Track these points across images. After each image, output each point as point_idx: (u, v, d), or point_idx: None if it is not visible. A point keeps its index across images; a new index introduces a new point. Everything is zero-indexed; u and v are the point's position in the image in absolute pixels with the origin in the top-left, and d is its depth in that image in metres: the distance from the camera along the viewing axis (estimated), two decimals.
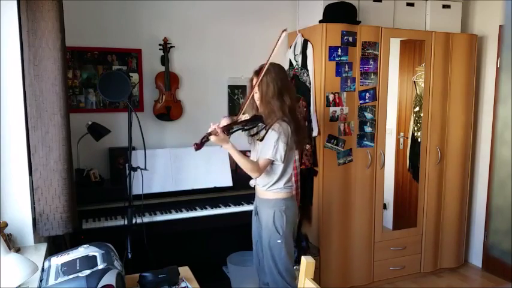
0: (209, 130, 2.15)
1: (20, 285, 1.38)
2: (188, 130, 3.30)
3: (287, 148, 2.27)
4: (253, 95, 2.34)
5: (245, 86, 3.47)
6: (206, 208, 2.95)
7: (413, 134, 3.66)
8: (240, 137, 2.44)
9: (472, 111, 3.68)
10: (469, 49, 3.58)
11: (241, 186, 3.04)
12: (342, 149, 3.23)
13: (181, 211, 2.87)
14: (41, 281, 1.48)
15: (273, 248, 2.33)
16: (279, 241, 2.31)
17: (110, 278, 1.37)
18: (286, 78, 2.38)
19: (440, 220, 3.68)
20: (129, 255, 2.54)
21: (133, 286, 1.67)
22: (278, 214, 2.32)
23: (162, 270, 1.70)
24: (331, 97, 3.15)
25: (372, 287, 3.50)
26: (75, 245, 1.65)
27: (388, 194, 3.63)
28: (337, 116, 3.18)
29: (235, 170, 3.27)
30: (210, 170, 3.01)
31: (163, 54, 3.16)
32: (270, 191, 2.35)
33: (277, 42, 2.26)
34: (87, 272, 1.37)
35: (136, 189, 2.64)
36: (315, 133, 3.18)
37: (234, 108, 3.45)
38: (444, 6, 3.62)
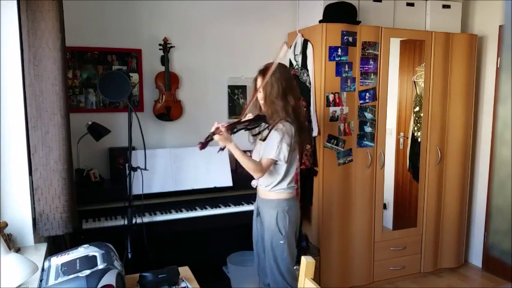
0: (212, 129, 2.14)
1: (20, 285, 1.38)
2: (188, 130, 3.30)
3: (290, 148, 2.27)
4: (254, 95, 2.34)
5: (245, 86, 3.47)
6: (206, 208, 2.95)
7: (413, 134, 3.66)
8: (240, 137, 2.43)
9: (472, 111, 3.68)
10: (469, 49, 3.58)
11: (241, 186, 3.05)
12: (342, 149, 3.23)
13: (181, 211, 2.87)
14: (41, 281, 1.48)
15: (275, 248, 2.32)
16: (281, 242, 2.31)
17: (110, 278, 1.37)
18: (290, 78, 2.38)
19: (440, 220, 3.68)
20: (129, 255, 2.54)
21: (133, 286, 1.67)
22: (281, 215, 2.31)
23: (162, 270, 1.69)
24: (331, 97, 3.15)
25: (372, 287, 3.50)
26: (75, 245, 1.65)
27: (388, 194, 3.63)
28: (337, 116, 3.18)
29: (235, 170, 3.27)
30: (210, 170, 3.01)
31: (163, 54, 3.16)
32: (273, 191, 2.34)
33: (278, 55, 2.24)
34: (87, 272, 1.37)
35: (136, 189, 2.64)
36: (315, 133, 3.18)
37: (234, 108, 3.45)
38: (444, 6, 3.62)
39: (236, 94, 3.46)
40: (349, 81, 3.19)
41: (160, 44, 3.15)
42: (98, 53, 3.02)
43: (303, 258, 1.55)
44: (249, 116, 2.34)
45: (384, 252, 3.49)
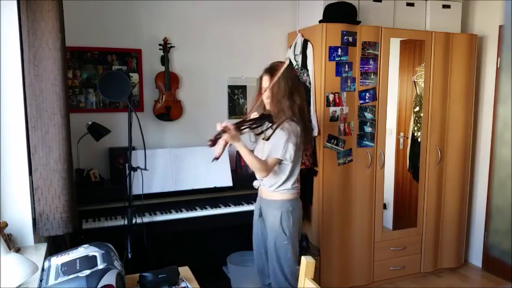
0: (220, 127, 2.11)
1: (20, 285, 1.38)
2: (188, 130, 3.30)
3: (296, 148, 2.26)
4: (259, 94, 2.32)
5: (245, 86, 3.47)
6: (206, 208, 2.95)
7: (413, 134, 3.66)
8: (241, 136, 2.43)
9: (472, 111, 3.68)
10: (469, 49, 3.58)
11: (241, 186, 3.05)
12: (342, 149, 3.23)
13: (181, 211, 2.87)
14: (41, 281, 1.48)
15: (278, 249, 2.31)
16: (285, 242, 2.30)
17: (110, 278, 1.37)
18: (296, 78, 2.38)
19: (440, 220, 3.68)
20: (129, 255, 2.54)
21: (133, 286, 1.67)
22: (285, 215, 2.30)
23: (162, 270, 1.69)
24: (331, 97, 3.16)
25: (372, 287, 3.50)
26: (75, 245, 1.65)
27: (388, 194, 3.63)
28: (337, 116, 3.18)
29: (235, 170, 3.27)
30: (210, 170, 3.01)
31: (163, 54, 3.16)
32: (277, 191, 2.33)
33: (280, 70, 2.23)
34: (87, 272, 1.37)
35: (136, 189, 2.64)
36: (315, 133, 3.18)
37: (234, 108, 3.45)
38: (444, 6, 3.62)
39: (236, 94, 3.46)
40: (349, 81, 3.19)
41: (160, 44, 3.15)
42: (98, 53, 3.02)
43: (303, 258, 1.55)
44: (255, 115, 2.32)
45: (383, 252, 3.49)
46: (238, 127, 2.17)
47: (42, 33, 1.91)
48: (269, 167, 2.23)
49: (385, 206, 3.57)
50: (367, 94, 3.26)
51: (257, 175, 2.37)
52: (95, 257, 1.49)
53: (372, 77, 3.26)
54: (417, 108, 3.61)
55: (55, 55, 1.94)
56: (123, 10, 3.07)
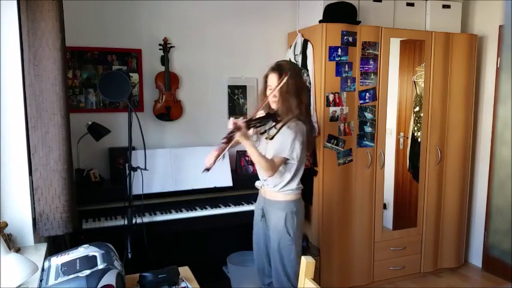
0: (231, 124, 2.08)
1: (20, 285, 1.38)
2: (188, 130, 3.30)
3: (303, 147, 2.25)
4: (266, 93, 2.30)
5: (245, 86, 3.47)
6: (206, 208, 2.95)
7: (413, 134, 3.66)
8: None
9: (472, 111, 3.68)
10: (469, 49, 3.58)
11: (241, 186, 3.05)
12: (342, 149, 3.22)
13: (181, 211, 2.87)
14: (41, 281, 1.48)
15: (282, 250, 2.30)
16: (289, 243, 2.29)
17: (110, 278, 1.37)
18: (302, 77, 2.38)
19: (440, 220, 3.68)
20: (129, 255, 2.54)
21: (133, 286, 1.67)
22: (290, 216, 2.29)
23: (162, 270, 1.70)
24: (331, 97, 3.15)
25: (372, 287, 3.50)
26: (75, 245, 1.65)
27: (388, 194, 3.63)
28: (337, 116, 3.18)
29: (235, 170, 3.27)
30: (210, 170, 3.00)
31: (163, 54, 3.16)
32: (281, 192, 2.31)
33: (279, 84, 2.23)
34: (87, 272, 1.37)
35: (136, 189, 2.64)
36: (315, 133, 3.18)
37: (234, 108, 3.45)
38: (444, 6, 3.62)
39: (236, 94, 3.46)
40: (349, 81, 3.19)
41: (160, 44, 3.15)
42: (98, 53, 3.02)
43: (303, 258, 1.55)
44: (261, 114, 2.31)
45: (383, 252, 3.49)
46: (248, 125, 2.15)
47: (42, 33, 1.91)
48: (276, 166, 2.21)
49: (385, 206, 3.57)
50: (367, 94, 3.26)
51: (262, 174, 2.34)
52: (95, 257, 1.49)
53: (372, 77, 3.26)
54: (417, 108, 3.61)
55: (55, 55, 1.94)
56: (123, 10, 3.07)
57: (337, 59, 3.13)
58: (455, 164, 3.66)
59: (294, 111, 2.23)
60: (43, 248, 1.98)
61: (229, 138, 2.05)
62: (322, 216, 3.23)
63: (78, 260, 1.47)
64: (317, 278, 3.21)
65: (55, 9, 1.93)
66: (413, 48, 3.59)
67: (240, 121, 2.11)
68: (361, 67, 3.22)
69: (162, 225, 2.78)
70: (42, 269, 1.53)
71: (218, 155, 2.19)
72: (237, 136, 2.07)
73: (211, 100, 3.39)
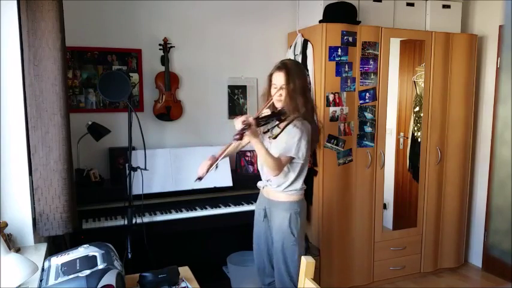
0: (239, 122, 2.04)
1: (20, 285, 1.38)
2: (188, 130, 3.30)
3: (308, 146, 2.24)
4: (270, 92, 2.29)
5: (245, 86, 3.47)
6: (206, 208, 2.95)
7: (413, 134, 3.66)
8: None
9: (472, 111, 3.68)
10: (469, 49, 3.58)
11: (241, 186, 3.05)
12: (342, 149, 3.23)
13: (181, 211, 2.87)
14: (41, 281, 1.48)
15: (286, 250, 2.29)
16: (293, 244, 2.28)
17: (110, 278, 1.37)
18: (306, 76, 2.38)
19: (440, 220, 3.68)
20: (129, 255, 2.54)
21: (133, 286, 1.67)
22: (294, 217, 2.28)
23: (162, 270, 1.69)
24: (331, 97, 3.16)
25: (372, 287, 3.50)
26: (75, 245, 1.65)
27: (388, 194, 3.63)
28: (337, 116, 3.18)
29: (235, 170, 3.27)
30: None
31: (163, 54, 3.16)
32: (285, 192, 2.29)
33: (266, 104, 2.23)
34: (87, 272, 1.37)
35: (136, 189, 2.64)
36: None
37: (234, 108, 3.45)
38: (444, 6, 3.62)
39: (236, 94, 3.46)
40: (349, 81, 3.19)
41: (160, 44, 3.15)
42: (98, 53, 3.02)
43: (303, 258, 1.55)
44: (267, 112, 2.31)
45: (383, 252, 3.49)
46: (258, 123, 2.13)
47: (42, 33, 1.91)
48: (282, 165, 2.19)
49: (385, 206, 3.57)
50: (367, 94, 3.26)
51: (267, 174, 2.30)
52: (95, 257, 1.49)
53: (372, 77, 3.26)
54: (417, 108, 3.61)
55: (55, 55, 1.94)
56: (122, 10, 3.07)
57: (337, 59, 3.13)
58: (455, 164, 3.66)
59: (300, 109, 2.22)
60: (43, 248, 1.98)
61: (241, 134, 2.00)
62: (322, 216, 3.23)
63: (78, 260, 1.47)
64: (317, 278, 3.21)
65: (55, 9, 1.93)
66: (413, 48, 3.59)
67: (250, 118, 2.08)
68: (361, 67, 3.22)
69: (162, 225, 2.78)
70: (42, 269, 1.53)
71: (211, 165, 2.19)
72: (247, 133, 2.04)
73: (211, 100, 3.39)
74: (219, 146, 2.94)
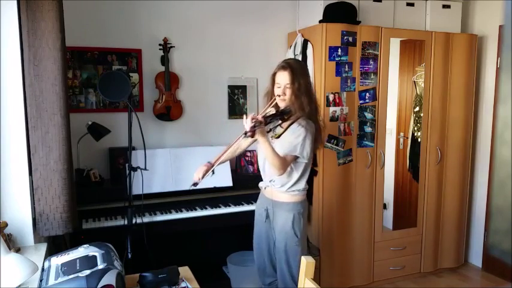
0: (248, 122, 1.99)
1: (20, 285, 1.38)
2: (188, 130, 3.30)
3: (312, 146, 2.24)
4: (273, 91, 2.28)
5: (245, 86, 3.47)
6: (206, 208, 2.95)
7: (413, 134, 3.66)
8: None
9: (472, 111, 3.68)
10: (469, 49, 3.58)
11: (241, 186, 3.05)
12: (342, 149, 3.23)
13: (181, 211, 2.87)
14: (41, 281, 1.48)
15: (289, 251, 2.29)
16: (296, 244, 2.28)
17: (110, 278, 1.37)
18: (309, 76, 2.37)
19: (440, 220, 3.68)
20: (129, 255, 2.54)
21: (133, 286, 1.67)
22: (297, 217, 2.28)
23: (162, 270, 1.69)
24: (331, 97, 3.16)
25: (372, 287, 3.50)
26: (75, 245, 1.65)
27: (388, 194, 3.63)
28: (337, 116, 3.18)
29: (235, 170, 3.27)
30: None
31: (163, 54, 3.16)
32: (288, 192, 2.28)
33: (271, 103, 2.23)
34: (87, 272, 1.37)
35: (136, 189, 2.64)
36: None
37: (234, 108, 3.45)
38: (444, 6, 3.62)
39: (236, 94, 3.46)
40: (349, 81, 3.19)
41: (160, 44, 3.15)
42: (98, 53, 3.02)
43: (303, 258, 1.55)
44: (272, 111, 2.29)
45: (383, 252, 3.49)
46: (266, 121, 2.11)
47: (42, 33, 1.91)
48: (287, 164, 2.19)
49: (385, 206, 3.57)
50: (367, 94, 3.26)
51: (272, 173, 2.27)
52: (95, 257, 1.49)
53: (372, 77, 3.26)
54: (417, 108, 3.61)
55: (55, 55, 1.94)
56: (122, 10, 3.07)
57: (337, 59, 3.13)
58: (455, 164, 3.66)
59: (305, 108, 2.22)
60: (43, 248, 1.98)
61: (253, 131, 1.97)
62: (322, 216, 3.23)
63: (78, 260, 1.47)
64: (317, 278, 3.21)
65: (55, 9, 1.93)
66: (413, 48, 3.59)
67: (258, 116, 2.07)
68: (361, 67, 3.22)
69: (162, 225, 2.78)
70: (42, 269, 1.53)
71: (207, 171, 2.19)
72: (257, 131, 2.01)
73: (211, 100, 3.39)
74: (219, 146, 2.95)
